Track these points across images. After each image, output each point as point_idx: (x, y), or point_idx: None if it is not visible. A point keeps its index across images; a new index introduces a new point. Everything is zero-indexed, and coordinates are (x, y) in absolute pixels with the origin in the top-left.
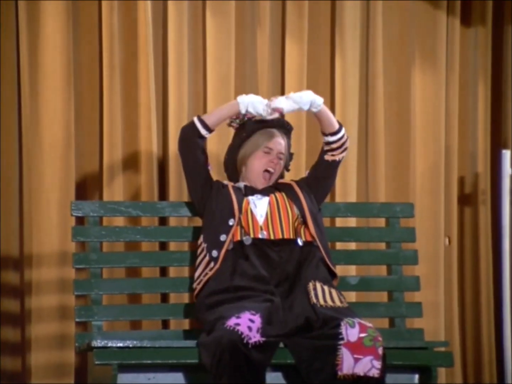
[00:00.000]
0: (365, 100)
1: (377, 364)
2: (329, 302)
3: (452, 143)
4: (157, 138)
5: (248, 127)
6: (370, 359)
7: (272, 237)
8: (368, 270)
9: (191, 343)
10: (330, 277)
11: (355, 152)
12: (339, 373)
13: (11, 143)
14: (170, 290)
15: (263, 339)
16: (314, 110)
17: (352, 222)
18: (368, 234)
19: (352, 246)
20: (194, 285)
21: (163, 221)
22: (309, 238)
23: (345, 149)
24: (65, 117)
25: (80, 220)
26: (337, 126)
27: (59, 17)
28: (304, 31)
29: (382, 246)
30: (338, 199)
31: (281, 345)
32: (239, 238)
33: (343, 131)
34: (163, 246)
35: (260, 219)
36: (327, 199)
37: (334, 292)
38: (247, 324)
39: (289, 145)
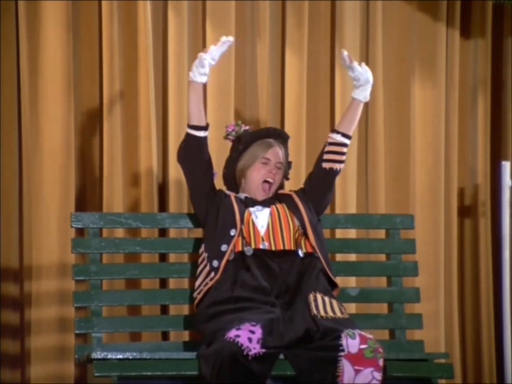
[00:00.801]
0: (365, 111)
1: (378, 375)
2: (330, 313)
3: (452, 155)
4: (157, 149)
5: (244, 139)
6: (371, 370)
7: (273, 248)
8: (368, 281)
9: (191, 354)
10: (330, 288)
11: (354, 164)
12: None
13: (11, 153)
14: (170, 301)
15: (263, 350)
16: (363, 98)
17: (352, 233)
18: (368, 245)
19: (352, 257)
20: (195, 294)
21: (163, 232)
22: (309, 249)
23: (343, 161)
24: (65, 127)
25: (80, 232)
26: (351, 133)
27: (59, 27)
28: (304, 43)
29: (382, 257)
30: (338, 210)
31: (281, 356)
32: (240, 249)
33: (349, 143)
34: (163, 257)
35: (262, 230)
36: (327, 211)
37: (334, 302)
38: (248, 335)
39: (286, 154)
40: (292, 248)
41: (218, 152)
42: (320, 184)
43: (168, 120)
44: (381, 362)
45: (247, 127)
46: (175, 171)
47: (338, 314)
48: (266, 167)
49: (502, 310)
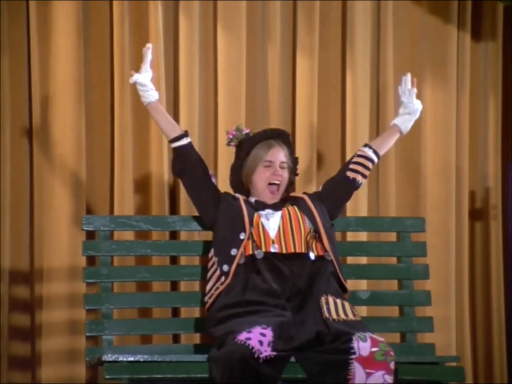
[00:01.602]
0: (376, 115)
1: (389, 378)
2: (342, 316)
3: (463, 158)
4: (167, 152)
5: (244, 145)
6: (382, 373)
7: (284, 251)
8: (379, 284)
9: (202, 357)
10: (341, 291)
11: None
12: None
13: (22, 158)
14: (181, 304)
15: (274, 353)
16: (403, 129)
17: (363, 236)
18: (379, 248)
19: (363, 260)
20: (206, 298)
21: (173, 235)
22: (321, 253)
23: (366, 176)
24: (76, 132)
25: (90, 234)
26: (381, 153)
27: (70, 31)
28: (315, 45)
29: (393, 260)
30: (349, 213)
31: (292, 359)
32: (250, 252)
33: (376, 162)
34: (174, 260)
35: (272, 233)
36: None
37: (346, 304)
38: (258, 338)
39: (290, 151)
40: (303, 251)
41: (229, 154)
42: (341, 191)
43: (179, 122)
44: (392, 365)
45: (247, 131)
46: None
47: (350, 316)
48: (269, 170)
49: None
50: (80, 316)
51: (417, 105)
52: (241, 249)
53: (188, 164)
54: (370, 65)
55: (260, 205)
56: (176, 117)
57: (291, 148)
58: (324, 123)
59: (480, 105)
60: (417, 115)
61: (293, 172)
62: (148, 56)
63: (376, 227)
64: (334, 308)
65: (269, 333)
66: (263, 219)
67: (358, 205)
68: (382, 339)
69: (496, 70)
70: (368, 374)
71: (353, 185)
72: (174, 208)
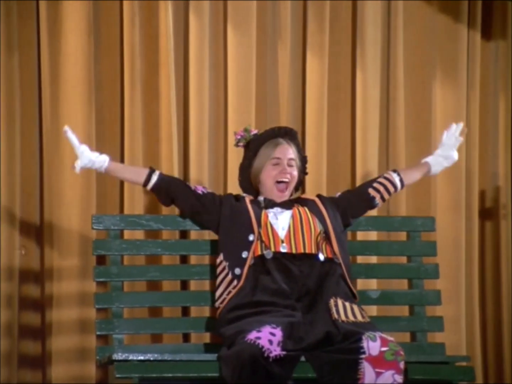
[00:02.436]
0: (386, 114)
1: (399, 378)
2: (351, 318)
3: (473, 157)
4: (178, 151)
5: (252, 145)
6: (392, 373)
7: (293, 251)
8: (389, 284)
9: (212, 356)
10: (350, 294)
11: (376, 166)
12: None
13: (32, 157)
14: (191, 303)
15: (284, 352)
16: (433, 170)
17: (373, 236)
18: (389, 248)
19: (373, 260)
20: (217, 304)
21: (183, 234)
22: (330, 255)
23: (385, 199)
24: (86, 131)
25: (101, 234)
26: (406, 183)
27: (80, 31)
28: (325, 44)
29: (403, 260)
30: None
31: (302, 359)
32: (259, 253)
33: (400, 190)
34: (184, 259)
35: (282, 233)
36: None
37: (355, 307)
38: (268, 337)
39: (298, 149)
40: (313, 251)
41: (239, 153)
42: (357, 204)
43: (189, 122)
44: (402, 365)
45: (255, 131)
46: (196, 173)
47: (359, 318)
48: (277, 168)
49: None
50: (90, 315)
51: (455, 155)
52: (251, 251)
53: (171, 195)
54: (380, 65)
55: (269, 203)
56: (186, 117)
57: (300, 146)
58: (334, 122)
59: (490, 104)
60: (450, 164)
61: (302, 171)
62: (71, 138)
63: (386, 227)
64: (343, 310)
65: (278, 332)
66: (271, 219)
67: None
68: (392, 338)
69: (506, 70)
70: (378, 374)
71: (371, 203)
72: None
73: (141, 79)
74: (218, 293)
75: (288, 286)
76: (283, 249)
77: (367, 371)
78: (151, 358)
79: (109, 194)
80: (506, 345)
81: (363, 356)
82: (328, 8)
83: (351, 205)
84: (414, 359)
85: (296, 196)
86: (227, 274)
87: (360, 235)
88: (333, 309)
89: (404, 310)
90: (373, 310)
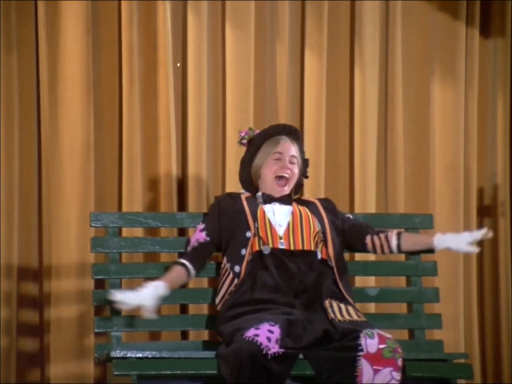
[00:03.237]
0: (384, 113)
1: (397, 375)
2: (347, 317)
3: (471, 155)
4: (176, 149)
5: (255, 140)
6: (390, 370)
7: (292, 248)
8: (387, 281)
9: (210, 354)
10: (344, 296)
11: (374, 164)
12: None
13: (31, 155)
14: (189, 301)
15: (282, 350)
16: (435, 245)
17: None
18: None
19: (372, 257)
20: (219, 307)
21: (182, 232)
22: (325, 256)
23: (375, 253)
24: (84, 129)
25: (99, 231)
26: (403, 250)
27: (79, 29)
28: (323, 43)
29: (401, 257)
30: (357, 210)
31: (301, 356)
32: (257, 248)
33: (394, 253)
34: None
35: (280, 229)
36: (346, 210)
37: (350, 308)
38: (266, 335)
39: (301, 150)
40: (312, 249)
41: (237, 152)
42: (350, 236)
43: (188, 120)
44: (400, 362)
45: (259, 132)
46: (194, 171)
47: (355, 317)
48: (279, 163)
49: None
50: (88, 312)
51: (467, 247)
52: (249, 247)
53: (203, 262)
54: (379, 63)
55: (268, 198)
56: (184, 115)
57: (302, 148)
58: (333, 121)
59: (488, 102)
60: (454, 250)
61: (303, 173)
62: (129, 302)
63: (384, 224)
64: (338, 311)
65: (276, 330)
66: (268, 214)
67: (366, 201)
68: (389, 335)
69: (505, 67)
70: (376, 371)
71: (361, 246)
72: (182, 205)
73: (140, 78)
74: (220, 295)
75: (286, 282)
76: (281, 245)
77: (365, 368)
78: (150, 356)
79: (107, 191)
80: (504, 342)
81: (361, 353)
82: (327, 7)
83: (348, 236)
84: (412, 356)
85: (296, 197)
86: (228, 275)
87: None
88: (329, 310)
89: (402, 308)
90: (371, 307)
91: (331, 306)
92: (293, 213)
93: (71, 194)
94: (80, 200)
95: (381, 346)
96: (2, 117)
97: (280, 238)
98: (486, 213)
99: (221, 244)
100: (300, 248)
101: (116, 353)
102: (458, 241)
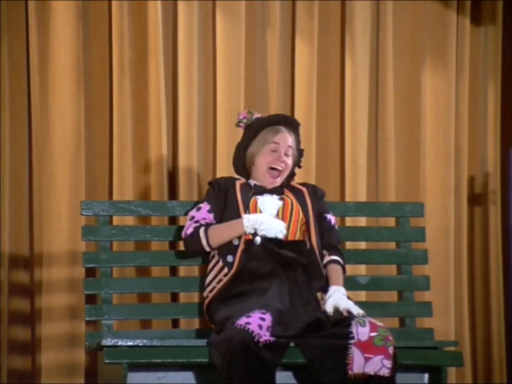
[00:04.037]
0: (375, 100)
1: (388, 363)
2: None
3: (462, 143)
4: (167, 138)
5: (253, 126)
6: (381, 358)
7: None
8: (378, 269)
9: (201, 342)
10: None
11: (365, 152)
12: (350, 372)
13: (21, 144)
14: (180, 289)
15: (273, 338)
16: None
17: (362, 222)
18: (378, 233)
19: (362, 245)
20: (205, 293)
21: (173, 220)
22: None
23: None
24: (75, 117)
25: (90, 220)
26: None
27: (69, 18)
28: (314, 31)
29: (392, 245)
30: (348, 199)
31: (292, 344)
32: (249, 237)
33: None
34: (173, 245)
35: None
36: (337, 199)
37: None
38: (258, 322)
39: (297, 141)
40: (301, 238)
41: (228, 140)
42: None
43: (178, 109)
44: (391, 350)
45: (259, 115)
46: (185, 159)
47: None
48: (274, 154)
49: None
50: (79, 301)
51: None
52: (243, 238)
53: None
54: (370, 51)
55: (259, 190)
56: (175, 104)
57: (299, 139)
58: (323, 108)
59: (479, 89)
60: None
61: (297, 163)
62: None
63: (375, 213)
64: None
65: (268, 317)
66: (260, 205)
67: (357, 190)
68: (381, 324)
69: (496, 55)
70: (367, 359)
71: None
72: (173, 193)
73: (130, 66)
74: (207, 280)
75: (278, 272)
76: None
77: (356, 356)
78: (141, 344)
79: (98, 180)
80: (494, 330)
81: (352, 341)
82: None
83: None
84: (402, 344)
85: (285, 183)
86: (217, 262)
87: (349, 221)
88: (321, 302)
89: (393, 296)
90: (362, 295)
91: (323, 299)
92: (284, 202)
93: (62, 183)
94: (71, 189)
95: (373, 334)
96: None
97: None
98: (476, 201)
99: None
100: (290, 237)
101: (107, 342)
102: (335, 299)
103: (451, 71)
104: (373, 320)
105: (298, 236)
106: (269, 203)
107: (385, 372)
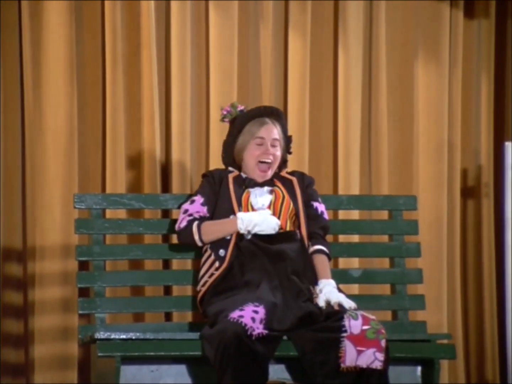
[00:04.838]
0: (368, 94)
1: (380, 356)
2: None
3: (455, 136)
4: (159, 131)
5: (237, 122)
6: (373, 351)
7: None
8: (371, 262)
9: (194, 335)
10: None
11: (358, 145)
12: (342, 365)
13: (14, 137)
14: (173, 282)
15: (266, 331)
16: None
17: (355, 214)
18: (371, 226)
19: (355, 238)
20: (198, 287)
21: (166, 213)
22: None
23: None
24: (68, 111)
25: (83, 213)
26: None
27: (62, 11)
28: (307, 25)
29: (385, 238)
30: (341, 192)
31: (285, 337)
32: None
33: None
34: (166, 238)
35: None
36: (330, 192)
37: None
38: (251, 315)
39: (284, 129)
40: (292, 229)
41: (221, 133)
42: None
43: (171, 102)
44: (383, 343)
45: (242, 107)
46: (178, 152)
47: None
48: (261, 148)
49: (504, 291)
50: (72, 294)
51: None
52: (235, 232)
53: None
54: (363, 44)
55: (250, 183)
56: (167, 97)
57: (285, 126)
58: (317, 102)
59: (472, 83)
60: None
61: (286, 150)
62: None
63: (368, 206)
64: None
65: (261, 310)
66: (252, 199)
67: (350, 183)
68: (373, 317)
69: (489, 48)
70: (359, 352)
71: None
72: (166, 186)
73: (123, 60)
74: (200, 274)
75: (269, 265)
76: None
77: (349, 349)
78: (133, 337)
79: (91, 173)
80: (487, 323)
81: (344, 334)
82: None
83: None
84: (395, 337)
85: (277, 171)
86: (209, 255)
87: (342, 214)
88: (314, 294)
89: (385, 289)
90: (354, 288)
91: (315, 293)
92: (275, 195)
93: (55, 176)
94: (64, 182)
95: (365, 327)
96: None
97: None
98: (469, 194)
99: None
100: (281, 230)
101: (100, 335)
102: (326, 292)
103: (444, 64)
104: (365, 313)
105: (289, 227)
106: (260, 194)
107: (377, 365)
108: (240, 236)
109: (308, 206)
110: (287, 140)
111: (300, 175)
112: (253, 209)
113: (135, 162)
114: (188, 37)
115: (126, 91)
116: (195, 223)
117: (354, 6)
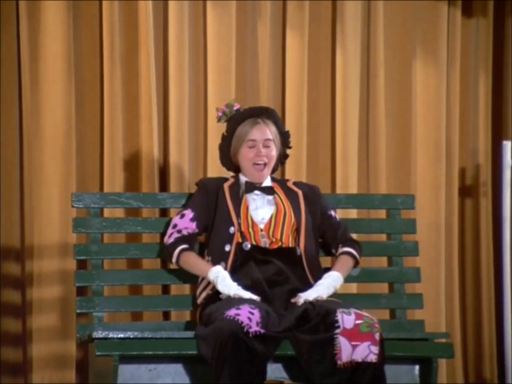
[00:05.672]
0: (366, 92)
1: (375, 349)
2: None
3: (453, 135)
4: (157, 130)
5: (229, 125)
6: (368, 344)
7: (272, 243)
8: (369, 261)
9: (192, 334)
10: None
11: (356, 144)
12: (339, 362)
13: (12, 135)
14: (171, 281)
15: (263, 330)
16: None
17: (353, 213)
18: (369, 225)
19: (353, 237)
20: (199, 300)
21: (164, 212)
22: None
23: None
24: (66, 109)
25: (81, 212)
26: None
27: (60, 8)
28: (305, 23)
29: (383, 237)
30: (339, 190)
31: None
32: (239, 240)
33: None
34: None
35: (261, 224)
36: (328, 191)
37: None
38: (247, 315)
39: (277, 126)
40: (291, 245)
41: (219, 132)
42: (325, 240)
43: (169, 100)
44: (377, 336)
45: (238, 106)
46: (176, 151)
47: (331, 299)
48: (253, 151)
49: (503, 290)
50: (70, 293)
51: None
52: (234, 243)
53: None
54: (361, 42)
55: (250, 187)
56: (166, 95)
57: (279, 122)
58: (314, 100)
59: (470, 81)
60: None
61: (286, 145)
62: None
63: (366, 204)
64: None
65: (257, 313)
66: (252, 211)
67: (348, 182)
68: (367, 314)
69: (487, 47)
70: (354, 346)
71: (330, 251)
72: (164, 185)
73: (121, 57)
74: (200, 288)
75: (265, 278)
76: (263, 239)
77: (343, 345)
78: (132, 336)
79: (89, 172)
80: (485, 322)
81: (338, 330)
82: None
83: (325, 234)
84: (393, 336)
85: (280, 179)
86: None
87: (340, 213)
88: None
89: (383, 288)
90: (353, 287)
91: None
92: (277, 209)
93: (53, 175)
94: (62, 181)
95: (358, 321)
96: None
97: (261, 230)
98: (467, 193)
99: (206, 231)
100: (280, 245)
101: (98, 334)
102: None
103: (442, 63)
104: (358, 311)
105: (290, 242)
106: (261, 205)
107: (372, 358)
108: (239, 247)
109: (327, 217)
110: (284, 136)
111: (307, 189)
112: (253, 222)
113: (133, 161)
114: (186, 35)
115: (124, 90)
116: (179, 248)
117: (352, 4)
